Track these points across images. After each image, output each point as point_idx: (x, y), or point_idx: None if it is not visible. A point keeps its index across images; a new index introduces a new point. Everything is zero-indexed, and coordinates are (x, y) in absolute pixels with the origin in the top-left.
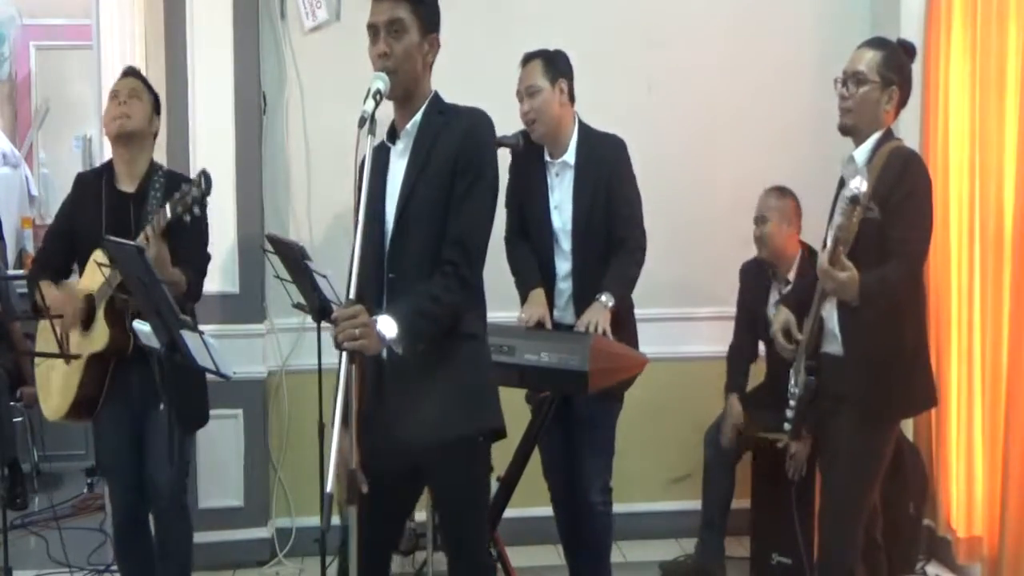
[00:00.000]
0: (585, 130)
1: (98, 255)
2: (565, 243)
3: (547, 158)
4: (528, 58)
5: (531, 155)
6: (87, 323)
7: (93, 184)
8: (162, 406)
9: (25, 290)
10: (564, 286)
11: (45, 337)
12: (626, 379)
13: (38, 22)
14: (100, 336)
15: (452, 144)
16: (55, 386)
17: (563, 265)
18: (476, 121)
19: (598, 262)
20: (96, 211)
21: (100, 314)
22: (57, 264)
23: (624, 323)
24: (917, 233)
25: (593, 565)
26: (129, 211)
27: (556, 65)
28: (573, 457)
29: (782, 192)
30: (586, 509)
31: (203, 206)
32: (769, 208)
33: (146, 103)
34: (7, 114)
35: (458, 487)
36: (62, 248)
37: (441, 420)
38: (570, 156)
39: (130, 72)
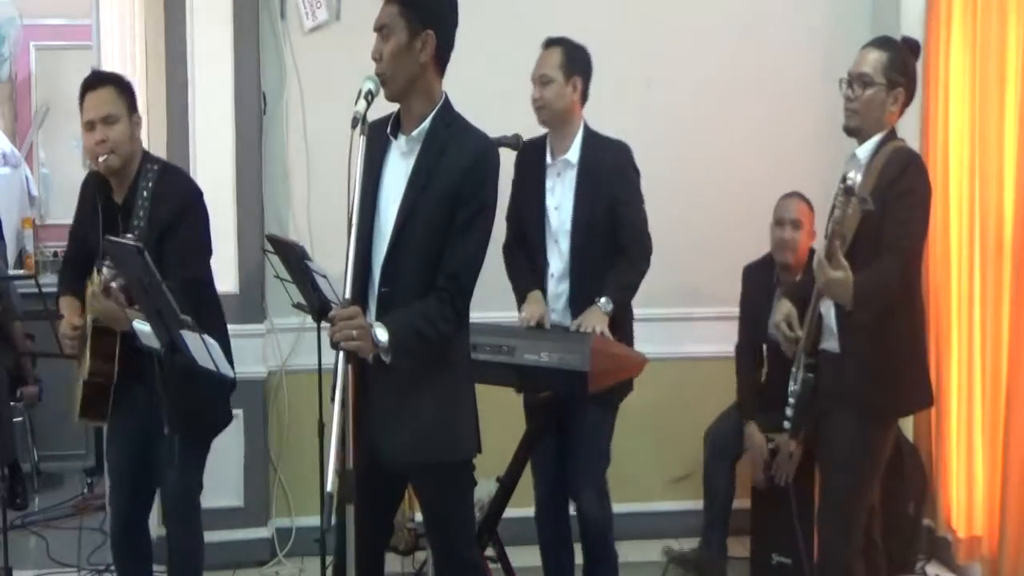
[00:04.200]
0: (590, 133)
1: (93, 279)
2: (564, 243)
3: (548, 159)
4: (549, 43)
5: (533, 159)
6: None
7: (93, 191)
8: (166, 430)
9: (26, 290)
10: (561, 288)
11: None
12: (624, 386)
13: (38, 22)
14: (87, 364)
15: (456, 171)
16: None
17: (559, 266)
18: (482, 150)
19: (597, 265)
20: (95, 221)
21: (88, 343)
22: (80, 262)
23: (620, 325)
24: (909, 230)
25: (598, 569)
26: (118, 222)
27: (574, 61)
28: (567, 463)
29: (803, 198)
30: (580, 517)
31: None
32: (803, 213)
33: (123, 120)
34: (7, 114)
35: (441, 497)
36: (81, 248)
37: (425, 443)
38: (573, 155)
39: (96, 82)
